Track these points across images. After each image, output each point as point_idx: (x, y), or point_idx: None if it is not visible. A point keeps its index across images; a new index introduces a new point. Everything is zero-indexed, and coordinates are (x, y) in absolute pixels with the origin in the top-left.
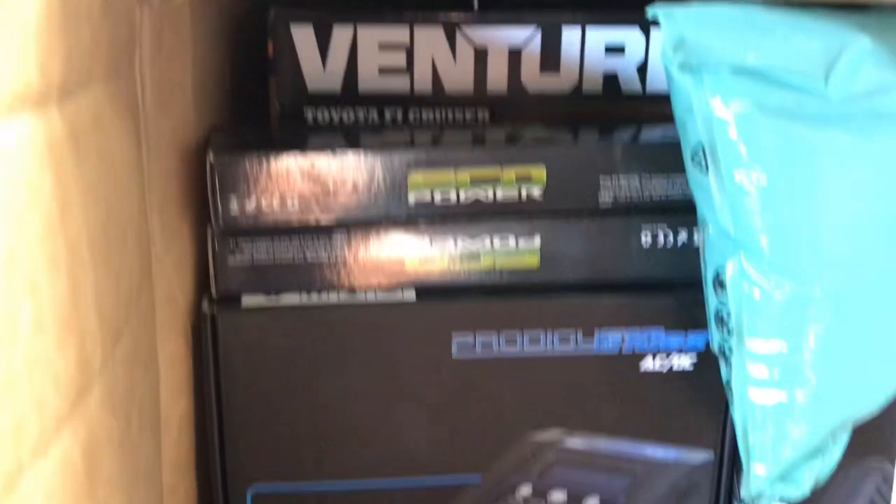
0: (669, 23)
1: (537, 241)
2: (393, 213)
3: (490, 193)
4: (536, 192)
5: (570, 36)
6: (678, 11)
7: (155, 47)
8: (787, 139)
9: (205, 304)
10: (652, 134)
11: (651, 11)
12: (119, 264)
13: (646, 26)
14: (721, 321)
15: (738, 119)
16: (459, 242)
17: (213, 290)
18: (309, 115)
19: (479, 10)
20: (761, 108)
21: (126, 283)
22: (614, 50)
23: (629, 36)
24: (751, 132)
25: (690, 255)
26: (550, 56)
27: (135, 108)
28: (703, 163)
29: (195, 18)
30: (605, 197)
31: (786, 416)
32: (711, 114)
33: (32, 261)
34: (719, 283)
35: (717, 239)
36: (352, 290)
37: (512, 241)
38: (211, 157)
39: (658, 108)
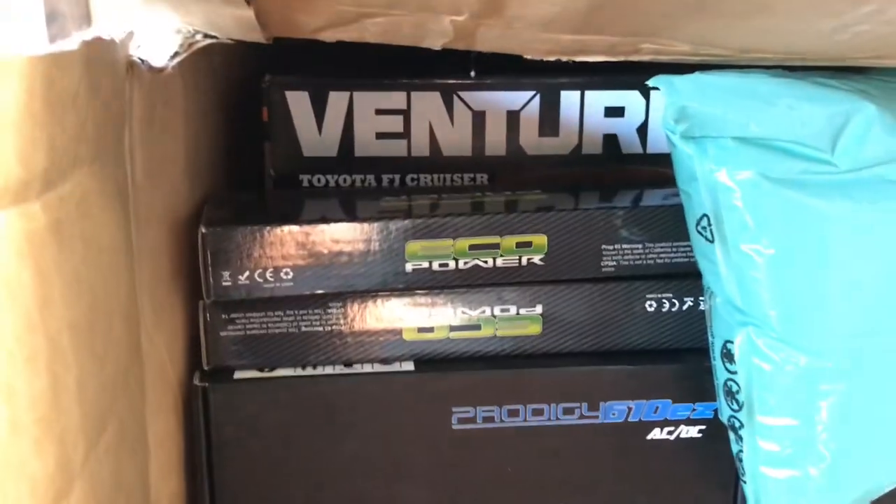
0: (671, 93)
1: (539, 308)
2: (390, 282)
3: (490, 261)
4: (537, 259)
5: (568, 98)
6: (679, 81)
7: (146, 121)
8: (794, 209)
9: (196, 378)
10: (654, 198)
11: (652, 81)
12: (104, 351)
13: (645, 89)
14: (731, 394)
15: (743, 189)
16: (459, 311)
17: (205, 364)
18: (304, 180)
19: (476, 75)
20: (767, 177)
21: (112, 368)
22: (614, 111)
23: (629, 98)
24: (757, 202)
25: (696, 322)
26: (549, 118)
27: (124, 185)
28: (709, 233)
29: (187, 88)
30: (608, 263)
31: (800, 493)
32: (716, 183)
33: (9, 362)
34: (728, 356)
35: (724, 310)
36: (348, 361)
37: (513, 309)
38: (202, 228)
39: (659, 167)
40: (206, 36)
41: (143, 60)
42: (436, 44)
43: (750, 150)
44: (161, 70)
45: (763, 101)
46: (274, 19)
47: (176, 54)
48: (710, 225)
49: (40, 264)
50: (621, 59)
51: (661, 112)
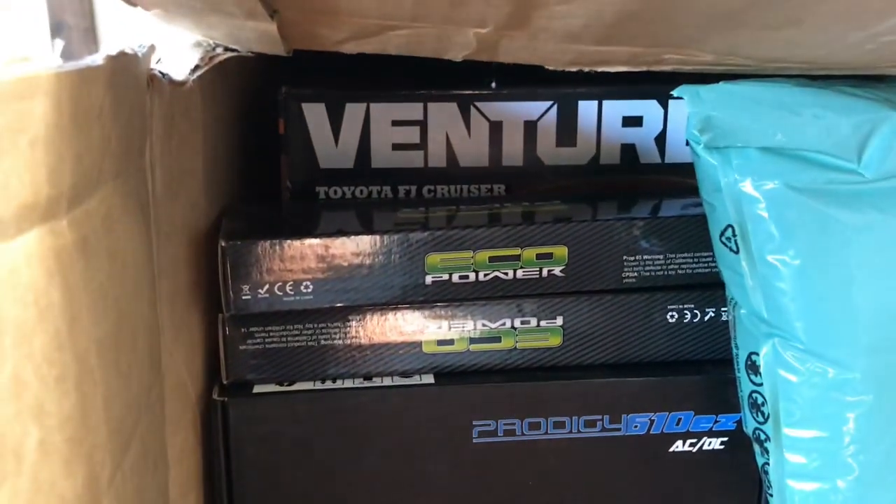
0: (695, 103)
1: (559, 320)
2: (410, 295)
3: (510, 273)
4: (558, 270)
5: (586, 108)
6: (704, 91)
7: (166, 135)
8: (820, 219)
9: (215, 392)
10: (674, 208)
11: (677, 91)
12: (129, 367)
13: (664, 99)
14: (756, 406)
15: (768, 199)
16: (479, 323)
17: (224, 378)
18: (321, 192)
19: (497, 86)
20: (792, 187)
21: (136, 385)
22: (632, 121)
23: (647, 107)
24: (783, 212)
25: (718, 333)
26: (567, 128)
27: (145, 199)
28: (734, 243)
29: (206, 102)
30: (629, 274)
31: None
32: (741, 194)
33: (40, 383)
34: (753, 368)
35: (749, 321)
36: (368, 375)
37: (533, 321)
38: (222, 242)
39: (678, 176)
40: (226, 49)
41: (164, 74)
42: (457, 56)
43: (775, 160)
44: (182, 84)
45: (789, 110)
46: (296, 33)
47: (197, 67)
48: (734, 236)
49: (69, 282)
50: (643, 69)
51: (682, 122)
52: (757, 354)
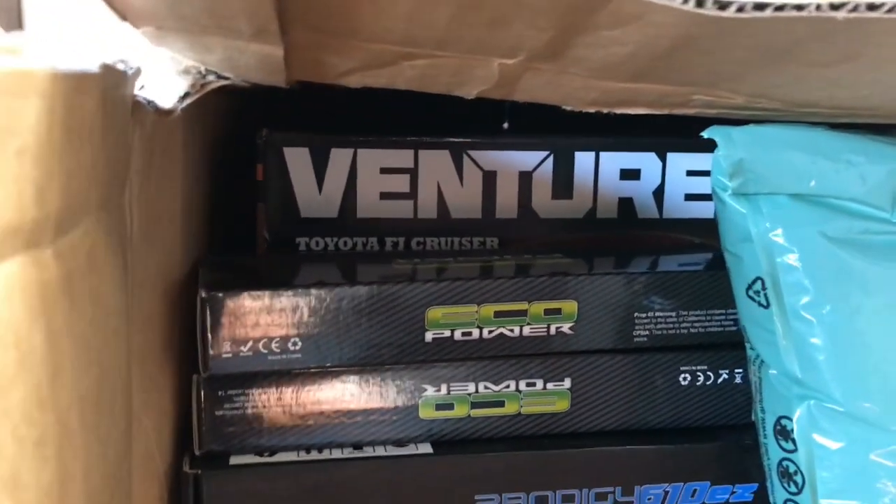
0: (727, 144)
1: (567, 382)
2: (408, 354)
3: (516, 330)
4: (567, 327)
5: (583, 160)
6: (736, 132)
7: (145, 173)
8: (857, 271)
9: (186, 464)
10: (685, 263)
11: (707, 132)
12: (108, 434)
13: (662, 151)
14: (787, 475)
15: (802, 249)
16: (481, 385)
17: (197, 448)
18: (301, 243)
19: (490, 135)
20: (827, 236)
21: (113, 454)
22: (630, 174)
23: (645, 160)
24: (817, 263)
25: (731, 397)
26: (563, 180)
27: (125, 241)
28: (763, 297)
29: (186, 140)
30: (640, 332)
31: None
32: (773, 244)
33: (17, 447)
34: (783, 433)
35: (779, 382)
36: (358, 444)
37: (539, 383)
38: (202, 293)
39: (675, 232)
40: (219, 77)
41: (148, 101)
42: (472, 92)
43: (808, 208)
44: (168, 113)
45: (823, 155)
46: (302, 59)
47: (186, 95)
48: (764, 289)
49: (52, 325)
50: (665, 111)
51: (681, 176)
52: (789, 419)
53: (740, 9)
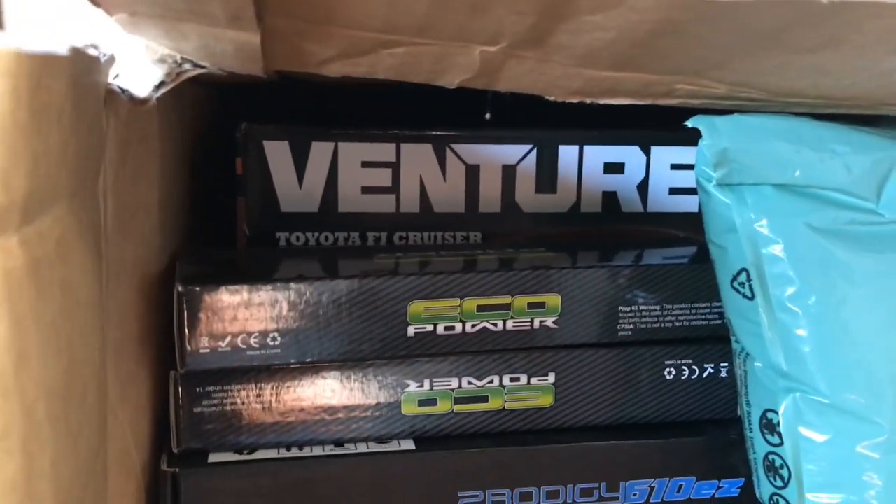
0: (712, 134)
1: (551, 376)
2: (390, 348)
3: (499, 324)
4: (550, 321)
5: (567, 153)
6: (720, 122)
7: (120, 162)
8: (842, 261)
9: (164, 462)
10: (670, 256)
11: (692, 121)
12: (78, 426)
13: (646, 145)
14: (773, 469)
15: (788, 240)
16: (464, 381)
17: (175, 445)
18: (281, 238)
19: (473, 128)
20: (812, 227)
21: (84, 448)
22: (614, 167)
23: (629, 153)
24: (802, 254)
25: (716, 391)
26: (547, 173)
27: (99, 231)
28: (748, 289)
29: (163, 130)
30: (625, 326)
31: None
32: (758, 235)
33: None
34: (768, 427)
35: (764, 375)
36: (339, 441)
37: (523, 378)
38: (179, 287)
39: (659, 226)
40: (195, 66)
41: (123, 90)
42: (453, 81)
43: (793, 199)
44: (143, 102)
45: (808, 145)
46: (280, 47)
47: (162, 84)
48: (749, 280)
49: (17, 313)
50: (648, 102)
51: (665, 170)
52: (774, 412)
53: None
